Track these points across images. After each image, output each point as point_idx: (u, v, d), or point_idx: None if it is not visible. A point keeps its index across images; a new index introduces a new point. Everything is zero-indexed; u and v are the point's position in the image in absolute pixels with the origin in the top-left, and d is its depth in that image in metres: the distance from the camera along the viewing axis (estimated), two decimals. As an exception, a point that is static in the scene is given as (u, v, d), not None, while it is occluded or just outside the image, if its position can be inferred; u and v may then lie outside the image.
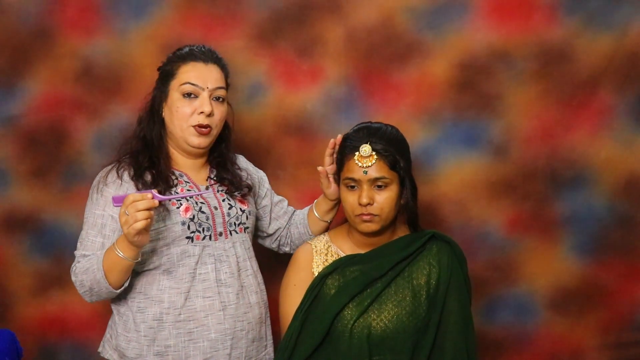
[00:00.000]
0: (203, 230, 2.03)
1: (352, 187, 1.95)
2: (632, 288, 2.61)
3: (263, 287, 2.18)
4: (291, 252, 2.28)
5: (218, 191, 2.12)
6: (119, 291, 1.99)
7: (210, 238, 2.04)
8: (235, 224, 2.10)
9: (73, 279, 2.02)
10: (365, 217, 1.94)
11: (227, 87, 2.14)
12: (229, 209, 2.10)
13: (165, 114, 2.08)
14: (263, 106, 2.59)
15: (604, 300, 2.62)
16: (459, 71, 2.52)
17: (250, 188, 2.17)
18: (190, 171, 2.12)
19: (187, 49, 2.13)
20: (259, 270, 2.19)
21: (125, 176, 2.03)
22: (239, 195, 2.13)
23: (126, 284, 1.99)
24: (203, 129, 2.04)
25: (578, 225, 2.58)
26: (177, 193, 2.03)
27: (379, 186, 1.93)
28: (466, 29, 2.51)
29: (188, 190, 2.06)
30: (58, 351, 2.72)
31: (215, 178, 2.14)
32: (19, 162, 2.63)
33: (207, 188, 2.11)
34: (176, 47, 2.53)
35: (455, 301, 1.96)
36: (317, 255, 2.05)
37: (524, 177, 2.57)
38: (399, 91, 2.54)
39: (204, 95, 2.04)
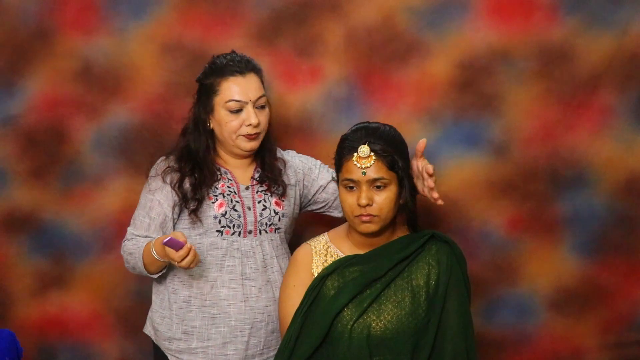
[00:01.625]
0: (233, 226, 2.17)
1: (351, 188, 1.94)
2: (633, 288, 2.61)
3: None
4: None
5: (257, 191, 2.23)
6: (156, 276, 2.19)
7: (239, 234, 2.18)
8: (266, 224, 2.21)
9: (121, 251, 2.23)
10: (364, 218, 1.94)
11: (265, 88, 2.22)
12: (263, 209, 2.21)
13: (214, 125, 2.20)
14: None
15: (604, 300, 2.61)
16: (460, 71, 2.52)
17: (284, 189, 2.24)
18: (236, 170, 2.24)
19: (223, 61, 2.19)
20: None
21: (168, 180, 2.20)
22: (276, 196, 2.23)
23: (163, 271, 2.18)
24: (252, 136, 2.17)
25: (579, 225, 2.58)
26: (217, 188, 2.19)
27: (378, 187, 1.93)
28: (466, 29, 2.51)
29: (228, 187, 2.20)
30: (58, 351, 2.71)
31: (257, 178, 2.24)
32: (19, 162, 2.62)
33: (247, 188, 2.22)
34: (176, 47, 2.56)
35: (455, 301, 1.96)
36: (316, 256, 2.05)
37: (524, 177, 2.57)
38: (399, 91, 2.54)
39: (249, 108, 2.15)
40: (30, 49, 2.57)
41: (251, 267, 2.17)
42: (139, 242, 2.17)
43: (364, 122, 2.04)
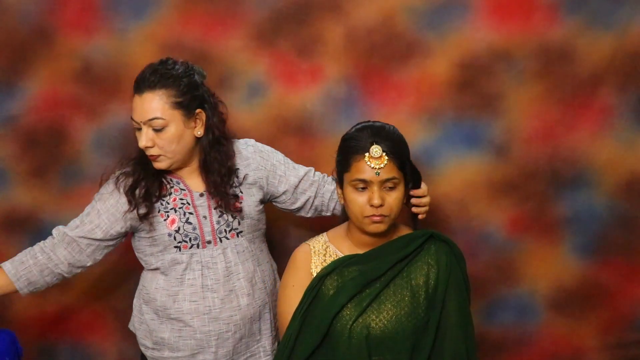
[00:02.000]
0: (190, 240, 2.14)
1: (363, 188, 1.93)
2: (633, 288, 2.61)
3: (262, 285, 2.24)
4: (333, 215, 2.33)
5: (213, 197, 2.17)
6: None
7: (198, 246, 2.15)
8: (225, 231, 2.17)
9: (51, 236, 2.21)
10: (376, 219, 1.92)
11: (182, 103, 2.10)
12: (219, 216, 2.16)
13: None
14: (263, 106, 2.58)
15: (604, 301, 2.61)
16: (460, 71, 2.52)
17: (236, 196, 2.18)
18: (187, 177, 2.20)
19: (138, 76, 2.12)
20: (258, 270, 2.23)
21: (121, 189, 2.15)
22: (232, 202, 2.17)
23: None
24: (153, 157, 2.11)
25: (579, 225, 2.58)
26: (168, 203, 2.15)
27: (390, 187, 1.92)
28: (467, 29, 2.51)
29: (181, 199, 2.16)
30: (58, 351, 2.72)
31: (206, 191, 2.19)
32: (18, 162, 2.62)
33: (201, 195, 2.17)
34: (176, 48, 2.55)
35: (454, 301, 1.96)
36: (315, 255, 2.05)
37: (525, 177, 2.57)
38: (399, 91, 2.54)
39: (144, 129, 2.09)
40: (30, 49, 2.57)
41: (212, 279, 2.15)
42: (47, 246, 2.17)
43: (366, 122, 2.03)
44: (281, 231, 2.62)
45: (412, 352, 1.92)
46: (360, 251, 2.02)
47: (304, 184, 2.30)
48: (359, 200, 1.93)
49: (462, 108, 2.54)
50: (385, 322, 1.92)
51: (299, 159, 2.58)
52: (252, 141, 2.32)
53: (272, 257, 2.37)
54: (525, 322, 2.64)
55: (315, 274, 2.01)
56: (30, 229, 2.65)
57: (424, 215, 2.14)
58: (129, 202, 2.12)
